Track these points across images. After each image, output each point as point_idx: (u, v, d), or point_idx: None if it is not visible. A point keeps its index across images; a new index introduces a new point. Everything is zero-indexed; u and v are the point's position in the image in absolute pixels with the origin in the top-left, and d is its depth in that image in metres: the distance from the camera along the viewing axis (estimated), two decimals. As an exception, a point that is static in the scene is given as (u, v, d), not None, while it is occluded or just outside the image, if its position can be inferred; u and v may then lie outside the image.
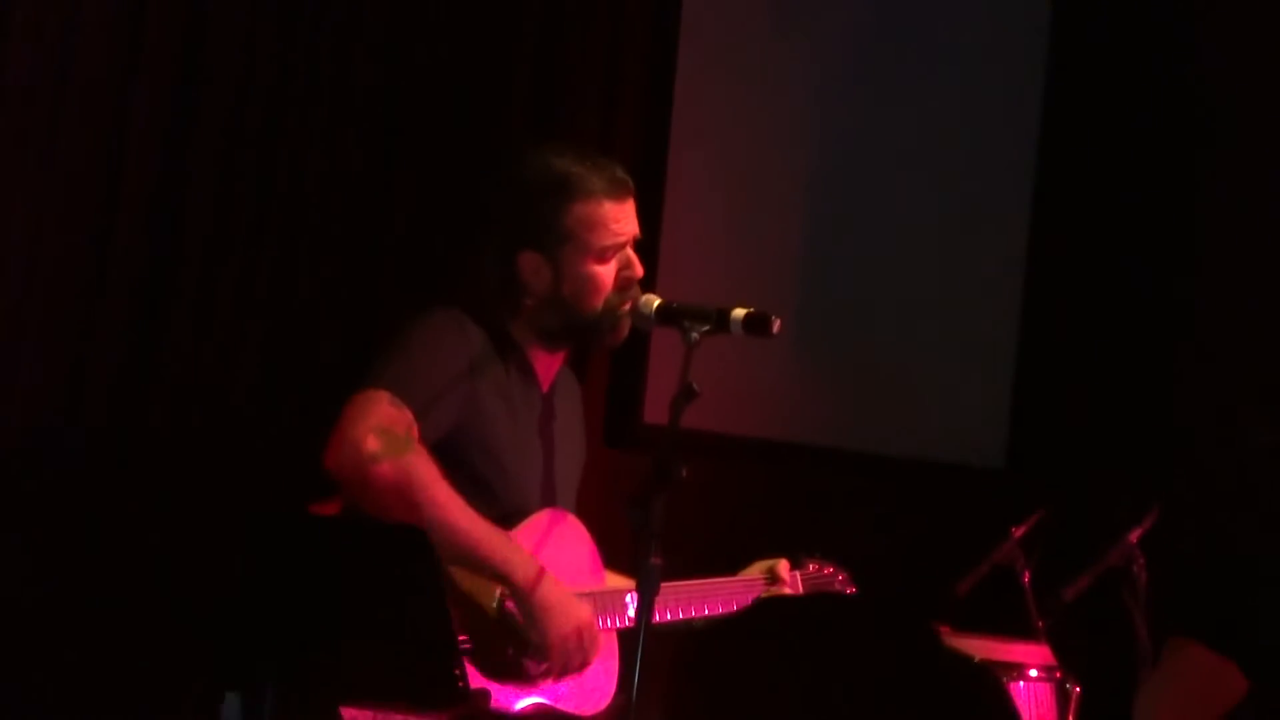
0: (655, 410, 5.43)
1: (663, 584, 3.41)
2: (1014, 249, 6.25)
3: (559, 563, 3.75)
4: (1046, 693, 4.62)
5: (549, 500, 3.87)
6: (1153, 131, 6.24)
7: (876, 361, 6.06)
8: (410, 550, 3.30)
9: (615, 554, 3.95)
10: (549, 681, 3.69)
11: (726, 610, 3.97)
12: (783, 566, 4.16)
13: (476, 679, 3.57)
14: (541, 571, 3.65)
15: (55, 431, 4.58)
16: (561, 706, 3.73)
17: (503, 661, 3.65)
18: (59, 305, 4.62)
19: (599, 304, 3.84)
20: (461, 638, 3.54)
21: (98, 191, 4.67)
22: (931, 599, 4.53)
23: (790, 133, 5.96)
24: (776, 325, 3.72)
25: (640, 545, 3.41)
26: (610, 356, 5.26)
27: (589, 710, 3.79)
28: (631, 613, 3.77)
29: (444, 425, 3.70)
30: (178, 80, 4.76)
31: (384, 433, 3.59)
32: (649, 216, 4.04)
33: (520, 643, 3.65)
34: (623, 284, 3.85)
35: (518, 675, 3.66)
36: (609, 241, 3.84)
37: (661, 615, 3.80)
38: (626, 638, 3.79)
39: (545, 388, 3.93)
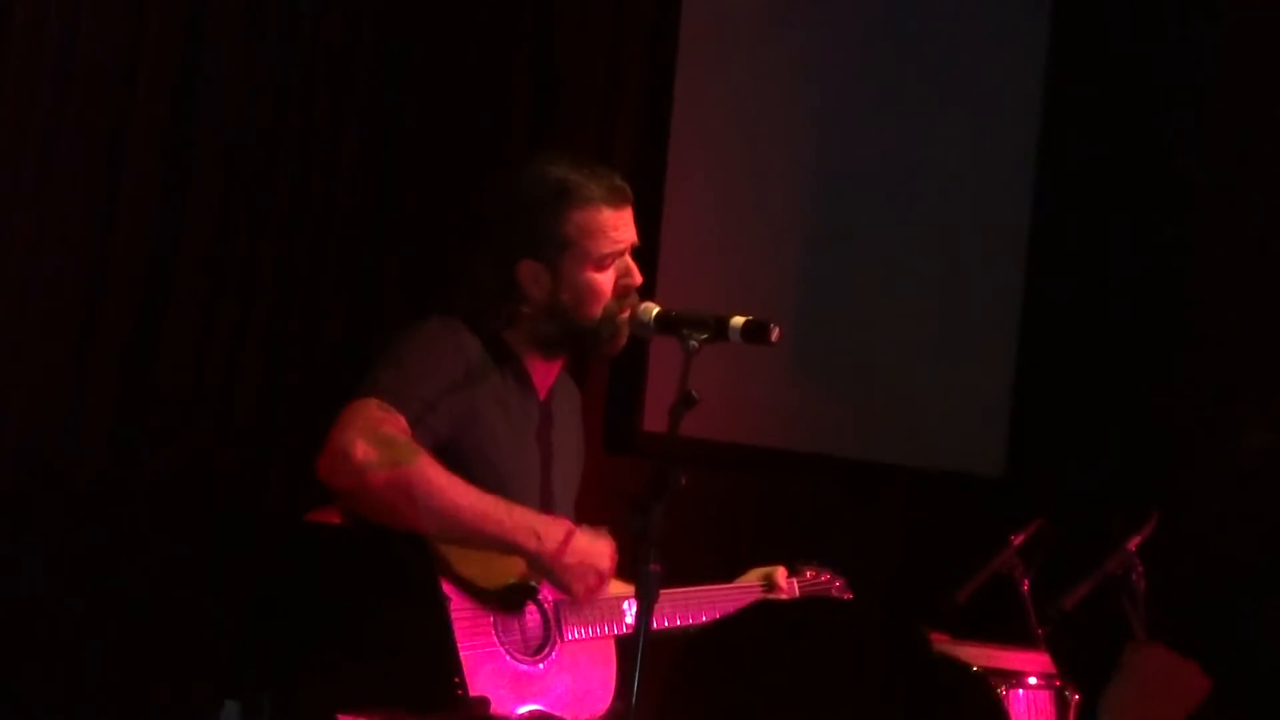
0: (654, 418, 5.43)
1: (661, 591, 3.42)
2: (1013, 256, 6.25)
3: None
4: (1046, 700, 4.61)
5: (547, 507, 3.86)
6: (1150, 143, 6.24)
7: (875, 369, 6.05)
8: (408, 558, 3.30)
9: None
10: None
11: (724, 618, 3.97)
12: (780, 574, 4.16)
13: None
14: (570, 531, 3.71)
15: (54, 434, 4.57)
16: (560, 712, 3.73)
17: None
18: (59, 306, 4.61)
19: (598, 312, 3.83)
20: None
21: (98, 191, 4.66)
22: (926, 605, 4.52)
23: (790, 141, 5.96)
24: (776, 333, 3.72)
25: (639, 552, 3.42)
26: (610, 364, 5.25)
27: (586, 716, 3.79)
28: (629, 619, 3.77)
29: (439, 433, 3.70)
30: (178, 80, 4.76)
31: (373, 436, 3.59)
32: (648, 224, 4.04)
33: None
34: (621, 292, 3.84)
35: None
36: (608, 249, 3.83)
37: (659, 622, 3.78)
38: (625, 644, 3.79)
39: (543, 395, 3.93)
